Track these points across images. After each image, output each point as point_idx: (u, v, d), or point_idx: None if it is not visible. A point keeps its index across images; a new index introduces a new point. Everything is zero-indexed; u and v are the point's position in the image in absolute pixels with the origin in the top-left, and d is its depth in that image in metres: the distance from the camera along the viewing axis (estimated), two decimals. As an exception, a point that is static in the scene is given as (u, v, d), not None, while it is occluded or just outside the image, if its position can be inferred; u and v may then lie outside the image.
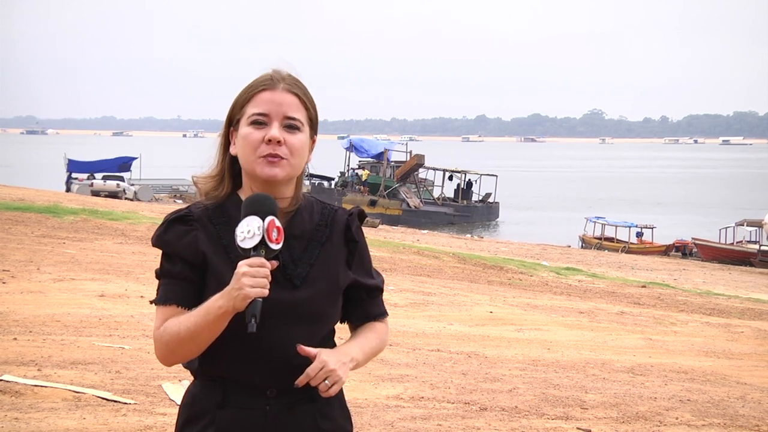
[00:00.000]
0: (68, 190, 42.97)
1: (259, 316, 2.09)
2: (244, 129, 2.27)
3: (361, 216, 2.40)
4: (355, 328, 2.40)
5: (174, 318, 2.21)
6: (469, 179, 49.40)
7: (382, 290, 2.42)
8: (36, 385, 6.05)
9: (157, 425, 5.42)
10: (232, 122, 2.33)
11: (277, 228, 2.14)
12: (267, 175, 2.23)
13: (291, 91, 2.29)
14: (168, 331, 2.20)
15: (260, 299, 2.10)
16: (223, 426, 2.22)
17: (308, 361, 2.21)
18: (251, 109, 2.27)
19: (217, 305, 2.13)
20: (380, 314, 2.41)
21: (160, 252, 2.30)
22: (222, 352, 2.22)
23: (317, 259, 2.29)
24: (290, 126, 2.27)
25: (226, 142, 2.34)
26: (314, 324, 2.26)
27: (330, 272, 2.30)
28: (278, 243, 2.14)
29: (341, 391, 2.35)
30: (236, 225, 2.16)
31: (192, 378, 2.34)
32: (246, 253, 2.12)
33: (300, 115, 2.29)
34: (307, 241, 2.30)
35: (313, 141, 2.35)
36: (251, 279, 2.09)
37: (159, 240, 2.28)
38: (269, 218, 2.13)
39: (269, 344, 2.20)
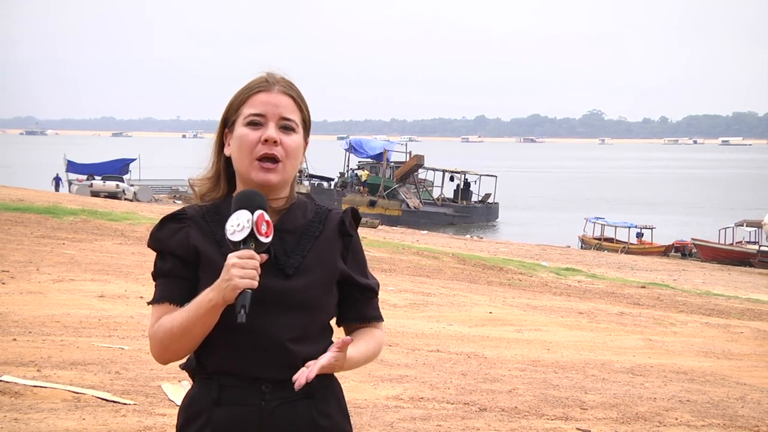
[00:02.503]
0: (57, 189, 43.02)
1: (248, 306, 2.12)
2: (240, 129, 2.29)
3: (356, 216, 2.41)
4: (349, 329, 2.41)
5: (167, 315, 2.23)
6: (467, 179, 49.39)
7: (376, 292, 2.43)
8: (35, 386, 6.05)
9: (156, 426, 5.42)
10: (226, 124, 2.35)
11: (267, 222, 2.17)
12: (261, 180, 2.27)
13: (286, 93, 2.33)
14: (161, 328, 2.22)
15: (250, 290, 2.12)
16: (219, 424, 2.23)
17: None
18: (247, 110, 2.30)
19: (207, 298, 2.15)
20: (375, 318, 2.42)
21: (156, 253, 2.33)
22: (216, 344, 2.23)
23: (310, 251, 2.31)
24: (286, 127, 2.30)
25: (221, 144, 2.37)
26: (307, 313, 2.27)
27: (323, 263, 2.31)
28: (267, 237, 2.17)
29: (339, 389, 2.36)
30: (227, 221, 2.19)
31: (191, 381, 2.35)
32: (236, 247, 2.15)
33: (295, 116, 2.32)
34: (300, 235, 2.32)
35: (306, 143, 2.38)
36: (240, 270, 2.11)
37: (152, 238, 2.32)
38: (258, 212, 2.16)
39: (262, 332, 2.22)
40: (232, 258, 2.13)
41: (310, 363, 2.20)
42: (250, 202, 2.17)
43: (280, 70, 2.38)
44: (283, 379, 2.23)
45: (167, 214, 2.35)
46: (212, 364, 2.26)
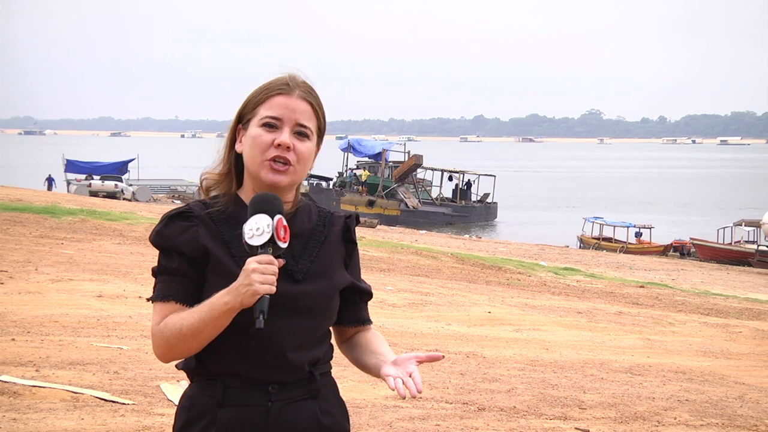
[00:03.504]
0: (50, 190, 42.93)
1: (267, 312, 2.11)
2: (255, 129, 2.28)
3: (356, 221, 2.45)
4: (343, 331, 2.43)
5: (175, 314, 2.21)
6: (469, 179, 49.46)
7: (372, 295, 2.47)
8: (34, 386, 6.05)
9: (155, 426, 5.42)
10: (241, 120, 2.33)
11: (285, 227, 2.16)
12: (271, 181, 2.25)
13: (305, 99, 2.31)
14: (169, 327, 2.19)
15: (268, 296, 2.11)
16: (224, 425, 2.22)
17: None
18: (264, 111, 2.28)
19: (222, 301, 2.13)
20: (368, 320, 2.46)
21: (158, 252, 2.30)
22: (223, 347, 2.22)
23: (317, 256, 2.32)
24: (301, 133, 2.29)
25: (233, 140, 2.35)
26: (314, 318, 2.28)
27: (329, 269, 2.32)
28: (285, 242, 2.16)
29: (337, 388, 2.38)
30: (236, 222, 2.19)
31: (188, 381, 2.34)
32: (253, 251, 2.13)
33: (311, 123, 2.31)
34: (307, 240, 2.33)
35: (317, 149, 2.38)
36: (261, 275, 2.10)
37: (159, 236, 2.28)
38: (278, 217, 2.15)
39: (271, 337, 2.21)
40: (252, 263, 2.11)
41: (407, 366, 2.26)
42: (270, 206, 2.16)
43: (302, 73, 2.36)
44: (288, 381, 2.23)
45: (173, 211, 2.30)
46: (216, 367, 2.25)
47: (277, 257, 2.15)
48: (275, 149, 2.25)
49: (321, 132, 2.36)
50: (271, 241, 2.13)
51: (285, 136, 2.25)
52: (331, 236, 2.35)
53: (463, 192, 48.66)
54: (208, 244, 2.25)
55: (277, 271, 2.13)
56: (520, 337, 10.37)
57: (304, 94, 2.31)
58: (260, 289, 2.10)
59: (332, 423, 2.30)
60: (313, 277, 2.28)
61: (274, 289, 2.12)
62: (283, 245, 2.15)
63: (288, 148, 2.25)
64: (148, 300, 2.32)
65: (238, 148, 2.32)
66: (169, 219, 2.29)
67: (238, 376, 2.23)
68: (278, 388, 2.23)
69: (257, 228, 2.13)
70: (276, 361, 2.22)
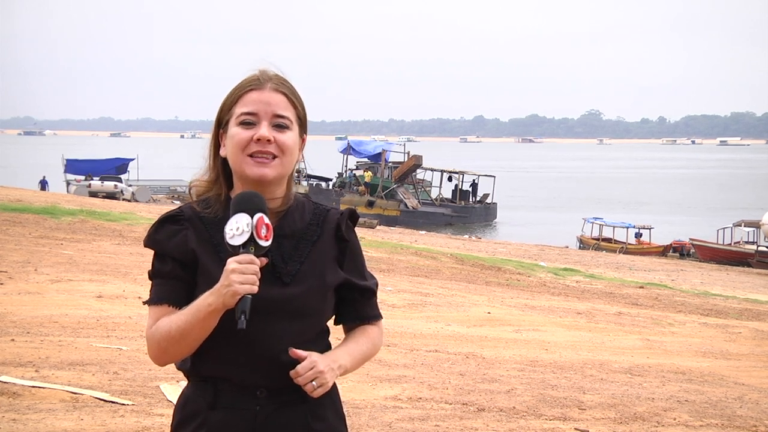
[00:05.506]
0: (43, 189, 42.88)
1: (248, 312, 2.10)
2: (233, 129, 2.27)
3: (353, 217, 2.39)
4: (348, 329, 2.40)
5: (165, 317, 2.21)
6: (473, 180, 49.51)
7: (375, 292, 2.42)
8: (34, 386, 6.05)
9: (154, 426, 5.42)
10: (221, 124, 2.33)
11: (266, 225, 2.15)
12: (256, 175, 2.24)
13: (279, 90, 2.30)
14: (160, 330, 2.20)
15: (250, 296, 2.10)
16: (213, 427, 2.23)
17: (298, 359, 2.22)
18: (239, 109, 2.28)
19: (206, 303, 2.13)
20: (374, 317, 2.41)
21: (153, 254, 2.31)
22: (213, 351, 2.22)
23: (308, 257, 2.29)
24: (279, 125, 2.27)
25: (216, 145, 2.35)
26: (305, 320, 2.26)
27: (320, 269, 2.30)
28: (267, 240, 2.14)
29: (336, 392, 2.35)
30: (226, 224, 2.17)
31: (187, 380, 2.34)
32: (235, 251, 2.13)
33: (289, 113, 2.30)
34: (298, 240, 2.30)
35: (303, 140, 2.36)
36: (240, 276, 2.10)
37: (150, 239, 2.29)
38: (258, 215, 2.14)
39: (260, 341, 2.21)
40: (231, 263, 2.11)
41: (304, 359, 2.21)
42: (250, 205, 2.15)
43: (273, 66, 2.35)
44: (279, 386, 2.23)
45: (165, 214, 2.32)
46: (207, 371, 2.25)
47: (262, 256, 2.14)
48: (255, 144, 2.24)
49: (302, 121, 2.34)
50: (252, 240, 2.12)
51: (263, 130, 2.24)
52: (325, 234, 2.33)
53: (467, 192, 48.71)
54: (196, 247, 2.25)
55: (258, 270, 2.12)
56: (520, 337, 10.37)
57: (276, 85, 2.30)
58: (240, 289, 2.09)
59: (324, 428, 2.28)
60: (302, 278, 2.26)
61: (255, 288, 2.11)
62: (265, 244, 2.14)
63: (268, 141, 2.24)
64: (144, 303, 2.32)
65: (222, 152, 2.32)
66: (160, 223, 2.30)
67: (229, 379, 2.23)
68: (267, 392, 2.23)
69: (237, 227, 2.13)
70: (266, 364, 2.21)
